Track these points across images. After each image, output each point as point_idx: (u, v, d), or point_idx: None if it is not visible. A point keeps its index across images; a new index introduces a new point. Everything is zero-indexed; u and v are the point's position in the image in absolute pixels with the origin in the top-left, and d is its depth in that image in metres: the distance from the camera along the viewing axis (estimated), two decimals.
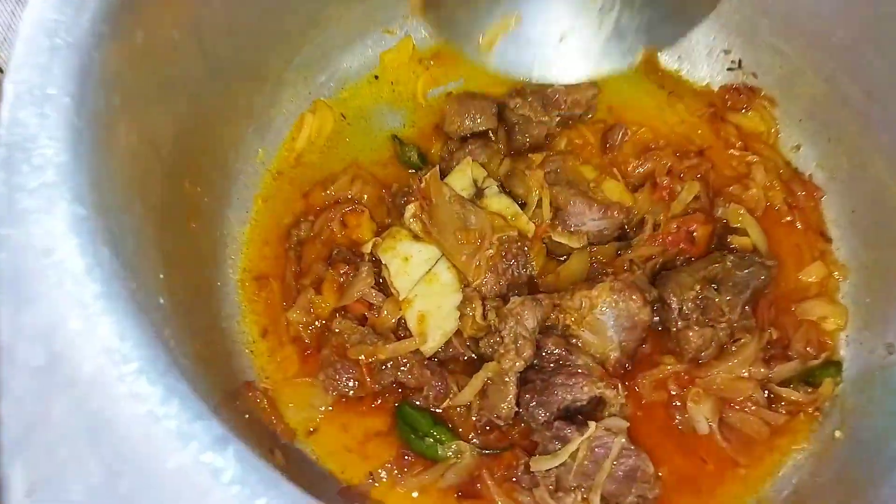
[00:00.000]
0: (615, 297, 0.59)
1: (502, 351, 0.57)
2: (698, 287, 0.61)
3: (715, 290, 0.61)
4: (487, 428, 0.60)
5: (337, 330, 0.61)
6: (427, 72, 0.78)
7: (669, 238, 0.64)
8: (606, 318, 0.59)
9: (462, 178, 0.65)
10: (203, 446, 0.32)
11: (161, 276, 0.48)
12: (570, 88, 0.71)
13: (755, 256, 0.64)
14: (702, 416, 0.60)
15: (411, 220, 0.62)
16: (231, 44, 0.62)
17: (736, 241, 0.66)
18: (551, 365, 0.59)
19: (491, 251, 0.60)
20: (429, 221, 0.61)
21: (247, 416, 0.57)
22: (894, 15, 0.59)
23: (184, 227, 0.58)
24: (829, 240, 0.69)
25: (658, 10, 0.64)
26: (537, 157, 0.66)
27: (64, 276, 0.34)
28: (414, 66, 0.78)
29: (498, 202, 0.64)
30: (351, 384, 0.59)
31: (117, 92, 0.45)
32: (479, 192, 0.64)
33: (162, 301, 0.46)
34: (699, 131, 0.75)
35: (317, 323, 0.63)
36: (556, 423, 0.57)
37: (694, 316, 0.61)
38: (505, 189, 0.66)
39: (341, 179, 0.68)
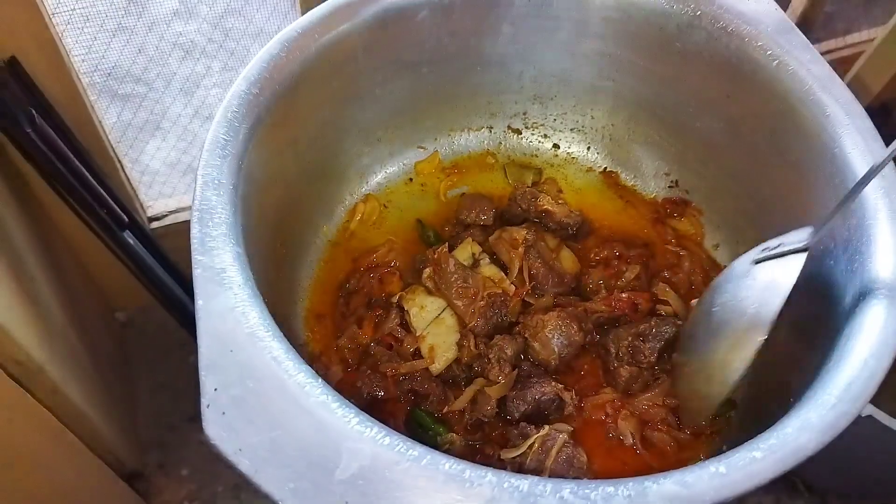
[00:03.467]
0: (559, 322, 0.84)
1: (488, 367, 0.82)
2: (630, 338, 0.86)
3: (641, 341, 0.86)
4: (474, 427, 0.83)
5: (372, 353, 0.86)
6: (448, 178, 1.07)
7: (620, 304, 0.90)
8: (552, 335, 0.84)
9: (464, 252, 0.92)
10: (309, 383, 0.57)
11: (266, 300, 0.74)
12: (563, 211, 0.98)
13: (671, 318, 0.89)
14: (627, 431, 0.83)
15: (426, 280, 0.88)
16: (314, 154, 0.91)
17: (663, 309, 0.91)
18: (530, 375, 0.84)
19: (482, 303, 0.85)
20: (439, 281, 0.87)
21: None
22: (768, 151, 0.86)
23: (276, 274, 0.85)
24: None
25: None
26: (519, 234, 0.92)
27: (231, 285, 0.61)
28: (438, 173, 1.07)
29: (489, 270, 0.90)
30: (379, 390, 0.84)
31: (252, 184, 0.73)
32: (475, 262, 0.91)
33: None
34: (645, 231, 1.02)
35: (359, 347, 0.88)
36: (522, 424, 0.81)
37: (626, 358, 0.85)
38: (493, 256, 0.92)
39: (381, 250, 0.96)
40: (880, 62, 1.45)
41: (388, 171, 1.05)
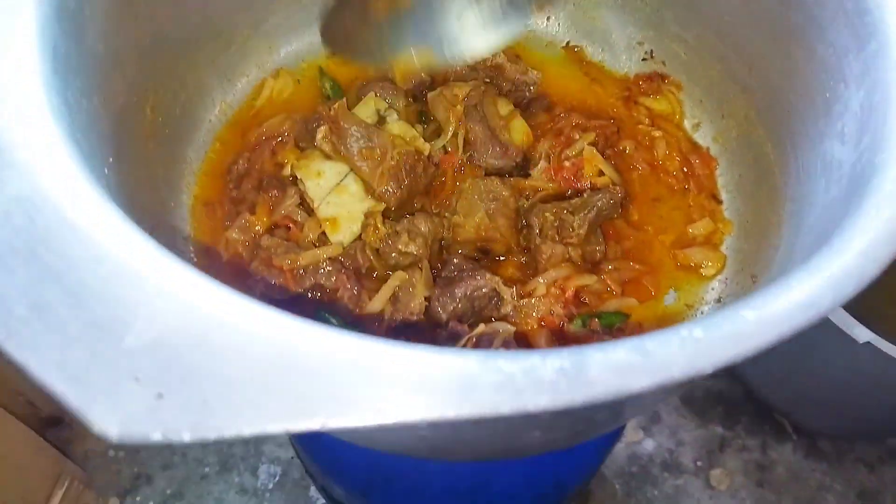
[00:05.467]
0: (488, 187, 0.67)
1: (402, 248, 0.65)
2: (555, 211, 0.70)
3: (569, 213, 0.70)
4: (396, 333, 0.67)
5: (264, 245, 0.69)
6: None
7: (562, 174, 0.73)
8: (476, 203, 0.68)
9: (366, 109, 0.75)
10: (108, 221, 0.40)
11: (110, 159, 0.56)
12: (520, 69, 0.81)
13: (608, 188, 0.73)
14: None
15: (322, 142, 0.71)
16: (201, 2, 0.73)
17: (600, 180, 0.75)
18: (456, 272, 0.67)
19: (392, 163, 0.69)
20: (338, 142, 0.70)
21: None
22: None
23: (143, 143, 0.67)
24: (720, 201, 0.77)
25: None
26: (461, 90, 0.75)
27: (18, 67, 0.43)
28: None
29: (398, 127, 0.74)
30: (275, 289, 0.67)
31: (92, 6, 0.55)
32: (381, 120, 0.74)
33: (107, 172, 0.54)
34: (615, 110, 0.85)
35: (253, 240, 0.71)
36: (451, 323, 0.64)
37: (549, 234, 0.70)
38: (410, 121, 0.76)
39: (273, 119, 0.78)
40: None
41: (304, 41, 0.86)
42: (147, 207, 0.67)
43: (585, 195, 0.72)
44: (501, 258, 0.74)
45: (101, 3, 0.57)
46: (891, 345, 0.92)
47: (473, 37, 0.65)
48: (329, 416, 0.33)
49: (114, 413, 0.32)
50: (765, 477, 1.36)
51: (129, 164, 0.61)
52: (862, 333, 0.91)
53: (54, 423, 1.23)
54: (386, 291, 0.66)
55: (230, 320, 0.36)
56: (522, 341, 0.65)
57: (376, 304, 0.67)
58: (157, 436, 0.32)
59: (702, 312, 0.71)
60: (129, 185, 0.60)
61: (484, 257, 0.73)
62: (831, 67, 0.60)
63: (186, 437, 0.32)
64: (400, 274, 0.66)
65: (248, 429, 0.33)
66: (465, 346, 0.62)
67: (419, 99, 0.82)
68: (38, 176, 0.40)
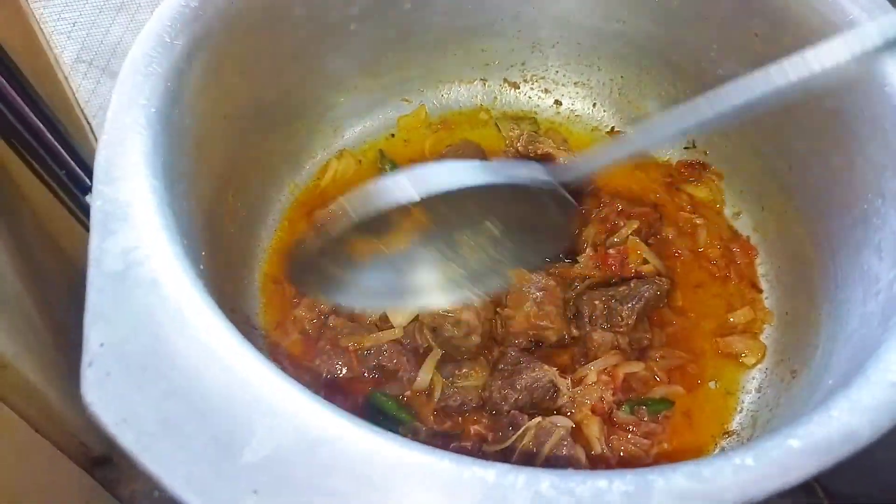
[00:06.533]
0: (527, 276, 0.74)
1: (457, 317, 0.70)
2: (604, 299, 0.75)
3: (617, 302, 0.74)
4: (445, 414, 0.71)
5: (331, 325, 0.74)
6: (434, 134, 0.95)
7: (606, 261, 0.77)
8: (522, 290, 0.73)
9: None
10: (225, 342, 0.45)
11: (203, 252, 0.62)
12: (564, 157, 0.86)
13: (654, 278, 0.77)
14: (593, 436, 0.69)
15: None
16: (277, 95, 0.79)
17: (644, 269, 0.79)
18: (514, 365, 0.71)
19: None
20: None
21: None
22: (802, 103, 0.73)
23: (225, 229, 0.73)
24: (760, 290, 0.81)
25: (522, 243, 0.68)
26: None
27: (137, 221, 0.49)
28: (424, 129, 0.95)
29: None
30: (340, 367, 0.72)
31: (187, 114, 0.61)
32: None
33: (202, 267, 0.60)
34: (658, 195, 0.89)
35: (319, 318, 0.76)
36: (513, 413, 0.68)
37: (599, 322, 0.74)
38: None
39: (337, 200, 0.83)
40: None
41: (366, 125, 0.93)
42: (227, 290, 0.72)
43: (633, 283, 0.76)
44: (554, 347, 0.76)
45: (197, 108, 0.64)
46: None
47: (446, 293, 0.67)
48: None
49: None
50: None
51: (216, 252, 0.67)
52: None
53: (103, 463, 1.28)
54: (430, 365, 0.71)
55: (332, 436, 0.41)
56: (577, 431, 0.69)
57: (423, 380, 0.71)
58: None
59: (742, 401, 0.74)
60: (216, 272, 0.66)
61: (537, 348, 0.76)
62: (869, 181, 0.64)
63: None
64: (437, 352, 0.70)
65: None
66: (523, 436, 0.65)
67: None
68: (160, 293, 0.46)
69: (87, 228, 1.16)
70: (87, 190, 1.08)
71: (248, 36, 0.70)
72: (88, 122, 1.16)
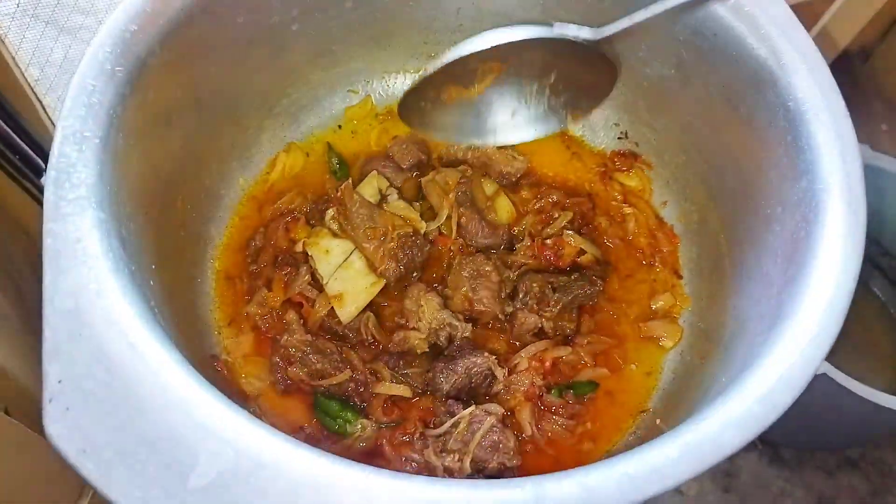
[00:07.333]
0: (466, 261, 0.81)
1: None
2: (541, 283, 0.81)
3: (552, 289, 0.81)
4: (391, 407, 0.77)
5: (283, 344, 0.78)
6: (381, 125, 0.98)
7: (543, 251, 0.83)
8: (462, 274, 0.81)
9: (369, 187, 0.85)
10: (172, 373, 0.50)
11: (153, 266, 0.66)
12: (505, 158, 0.91)
13: (590, 273, 0.84)
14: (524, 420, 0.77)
15: (330, 221, 0.81)
16: (220, 99, 0.81)
17: (583, 259, 0.85)
18: (458, 350, 0.78)
19: (392, 244, 0.79)
20: (344, 223, 0.80)
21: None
22: (720, 103, 0.78)
23: (175, 234, 0.77)
24: (680, 276, 0.88)
25: (573, 92, 0.81)
26: (453, 178, 0.86)
27: (87, 257, 0.53)
28: (370, 120, 0.98)
29: (397, 206, 0.84)
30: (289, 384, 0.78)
31: (131, 135, 0.64)
32: (383, 199, 0.84)
33: (153, 283, 0.64)
34: (592, 184, 0.95)
35: (271, 313, 0.81)
36: (450, 402, 0.75)
37: (531, 304, 0.81)
38: (408, 196, 0.87)
39: (286, 196, 0.88)
40: (850, 12, 1.33)
41: (313, 117, 0.96)
42: (178, 291, 0.77)
43: (574, 277, 0.82)
44: (489, 325, 0.83)
45: (141, 127, 0.67)
46: (842, 374, 1.03)
47: (518, 130, 0.82)
48: None
49: None
50: (731, 483, 1.47)
51: (165, 260, 0.71)
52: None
53: None
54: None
55: (269, 459, 0.47)
56: (510, 415, 0.76)
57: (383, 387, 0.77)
58: None
59: (660, 382, 0.81)
60: (166, 279, 0.70)
61: (474, 324, 0.83)
62: (773, 188, 0.70)
63: None
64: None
65: None
66: (458, 423, 0.72)
67: (417, 175, 0.92)
68: (111, 330, 0.50)
69: None
70: (43, 172, 1.09)
71: (192, 49, 0.72)
72: (36, 95, 1.14)
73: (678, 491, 1.44)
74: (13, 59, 1.08)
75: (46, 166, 0.97)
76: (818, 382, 1.06)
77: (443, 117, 0.79)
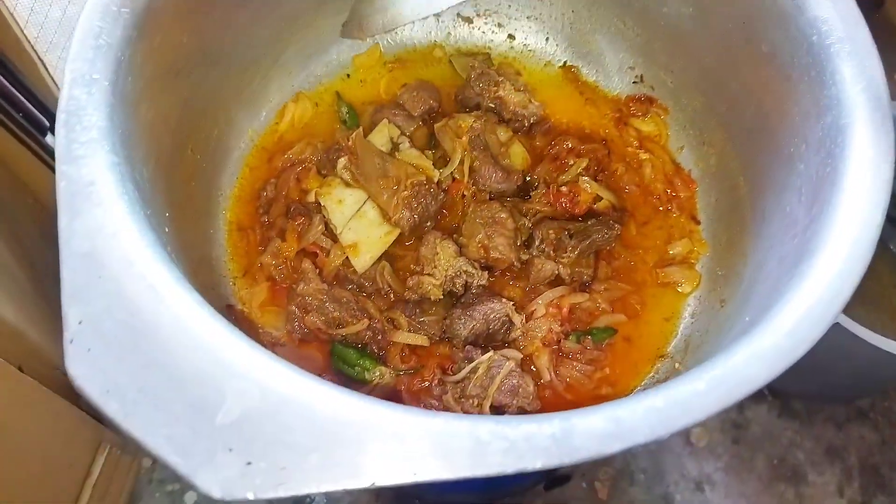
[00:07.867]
0: (481, 208, 0.80)
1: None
2: (557, 230, 0.80)
3: (568, 236, 0.80)
4: (409, 353, 0.77)
5: (299, 292, 0.77)
6: (390, 73, 0.96)
7: (559, 199, 0.82)
8: (476, 222, 0.80)
9: (380, 136, 0.83)
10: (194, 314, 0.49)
11: (167, 214, 0.65)
12: (521, 101, 0.89)
13: (608, 218, 0.82)
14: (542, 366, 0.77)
15: (342, 171, 0.80)
16: (226, 45, 0.79)
17: (599, 205, 0.84)
18: (476, 297, 0.77)
19: (406, 192, 0.78)
20: (357, 172, 0.79)
21: None
22: (740, 41, 0.76)
23: (187, 184, 0.76)
24: (698, 222, 0.87)
25: None
26: (465, 122, 0.84)
27: (101, 200, 0.52)
28: (379, 68, 0.96)
29: (410, 155, 0.83)
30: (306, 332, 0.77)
31: (140, 79, 0.63)
32: (395, 147, 0.83)
33: (167, 230, 0.63)
34: (607, 130, 0.93)
35: (285, 263, 0.80)
36: (468, 348, 0.74)
37: (547, 251, 0.80)
38: (420, 145, 0.86)
39: (296, 146, 0.86)
40: None
41: (321, 66, 0.94)
42: (192, 241, 0.76)
43: (591, 222, 0.81)
44: (504, 273, 0.83)
45: (149, 73, 0.65)
46: (854, 323, 1.03)
47: None
48: (376, 478, 0.44)
49: (214, 479, 0.43)
50: (741, 434, 1.48)
51: (180, 209, 0.70)
52: None
53: None
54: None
55: (293, 396, 0.46)
56: (528, 361, 0.76)
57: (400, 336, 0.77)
58: (250, 496, 0.43)
59: (678, 327, 0.81)
60: (182, 229, 0.69)
61: (490, 272, 0.82)
62: (796, 126, 0.68)
63: (272, 495, 0.43)
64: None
65: (318, 489, 0.43)
66: (477, 369, 0.72)
67: (428, 122, 0.90)
68: (129, 270, 0.49)
69: (52, 169, 1.17)
70: (47, 131, 1.08)
71: None
72: (37, 54, 1.12)
73: (689, 442, 1.45)
74: (11, 16, 1.05)
75: (52, 125, 0.97)
76: (830, 331, 1.07)
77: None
